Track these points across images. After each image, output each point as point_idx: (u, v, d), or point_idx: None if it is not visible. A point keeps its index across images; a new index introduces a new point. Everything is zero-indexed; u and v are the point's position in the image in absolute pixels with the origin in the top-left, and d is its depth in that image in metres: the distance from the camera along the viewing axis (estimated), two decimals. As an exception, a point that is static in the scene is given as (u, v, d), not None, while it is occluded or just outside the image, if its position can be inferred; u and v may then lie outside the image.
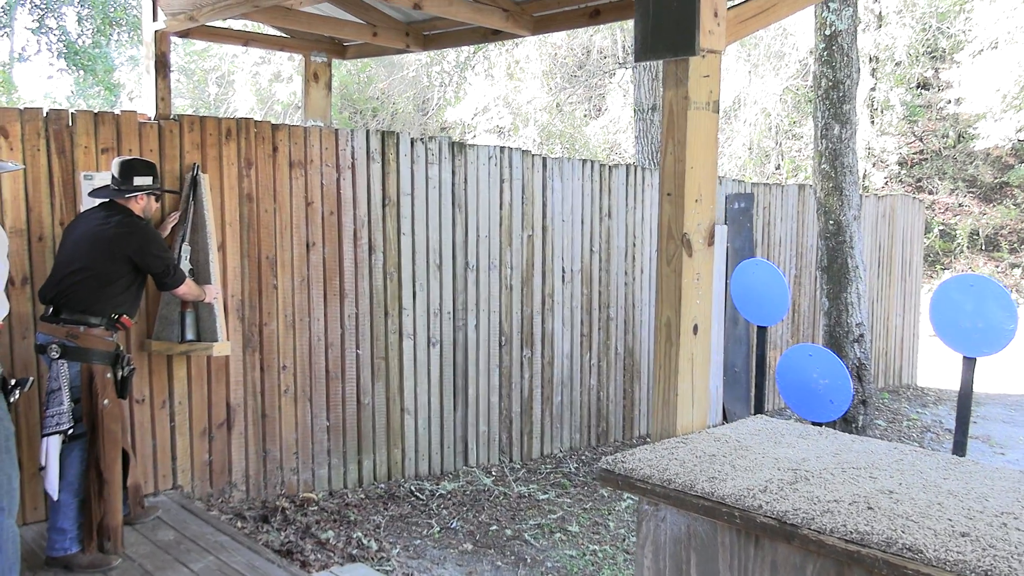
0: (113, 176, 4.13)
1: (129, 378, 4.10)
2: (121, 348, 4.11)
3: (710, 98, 2.61)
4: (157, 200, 4.41)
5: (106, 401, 3.92)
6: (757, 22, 2.78)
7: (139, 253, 4.03)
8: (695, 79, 2.56)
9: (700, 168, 2.63)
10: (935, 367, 11.06)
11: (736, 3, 2.75)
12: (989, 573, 1.75)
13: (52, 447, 3.80)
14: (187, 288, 4.35)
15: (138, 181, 4.13)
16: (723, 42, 2.59)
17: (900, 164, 19.39)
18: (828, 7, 7.13)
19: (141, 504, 4.47)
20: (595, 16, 5.13)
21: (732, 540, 2.28)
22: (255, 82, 17.35)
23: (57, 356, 3.84)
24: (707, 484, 2.29)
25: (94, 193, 4.19)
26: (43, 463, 3.82)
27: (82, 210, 4.43)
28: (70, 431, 3.83)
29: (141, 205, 4.19)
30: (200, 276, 4.81)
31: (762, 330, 5.16)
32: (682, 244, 2.63)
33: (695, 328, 2.68)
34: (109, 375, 3.96)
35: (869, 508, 2.10)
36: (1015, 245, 17.64)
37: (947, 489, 2.24)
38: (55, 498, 3.86)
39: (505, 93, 17.72)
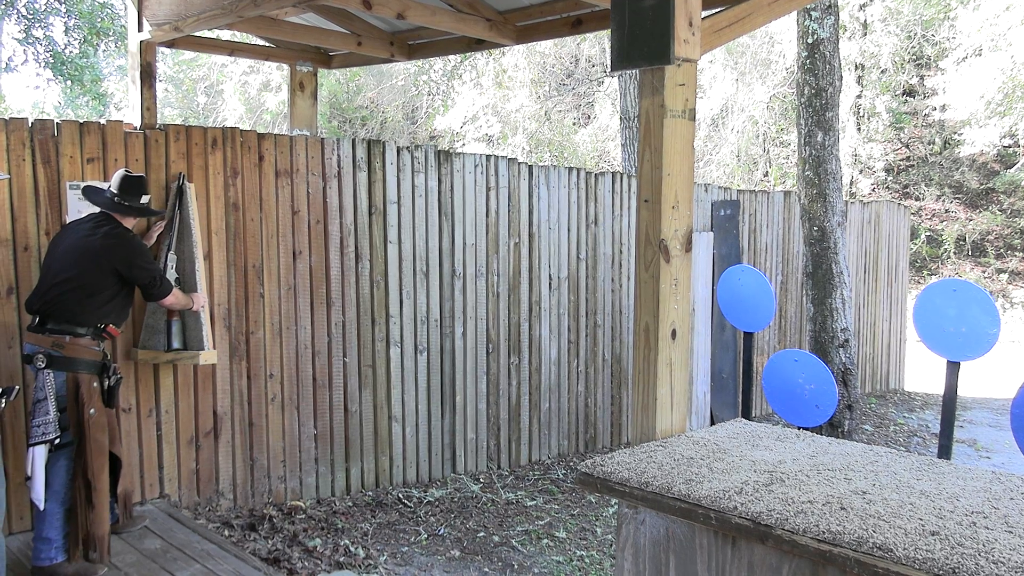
0: (118, 189, 4.11)
1: (116, 387, 4.11)
2: (108, 357, 4.12)
3: (686, 106, 2.65)
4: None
5: (92, 410, 3.92)
6: (732, 31, 2.82)
7: (125, 264, 4.05)
8: (671, 87, 2.60)
9: (677, 175, 2.67)
10: (922, 372, 11.13)
11: (711, 13, 2.79)
12: (956, 571, 1.78)
13: (38, 457, 3.81)
14: (174, 299, 4.37)
15: (144, 201, 4.20)
16: (698, 51, 2.63)
17: (887, 171, 19.52)
18: (810, 15, 7.20)
19: (130, 512, 4.47)
20: (577, 25, 5.18)
21: (709, 542, 2.31)
22: (244, 91, 17.37)
23: (43, 366, 3.85)
24: (684, 486, 2.32)
25: (90, 195, 4.16)
26: (29, 473, 3.82)
27: (68, 220, 4.45)
28: (56, 440, 3.83)
29: (133, 221, 4.25)
30: (186, 285, 4.83)
31: (749, 336, 5.19)
32: (660, 250, 2.66)
33: (673, 333, 2.71)
34: (95, 384, 3.97)
35: (842, 508, 2.13)
36: (1001, 250, 17.77)
37: (919, 489, 2.28)
38: (41, 508, 3.86)
39: (494, 102, 17.79)
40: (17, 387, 3.66)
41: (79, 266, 3.94)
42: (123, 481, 4.32)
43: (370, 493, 5.75)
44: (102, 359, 4.05)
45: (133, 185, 4.15)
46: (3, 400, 3.49)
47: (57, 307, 3.90)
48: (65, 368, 3.89)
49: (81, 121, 4.65)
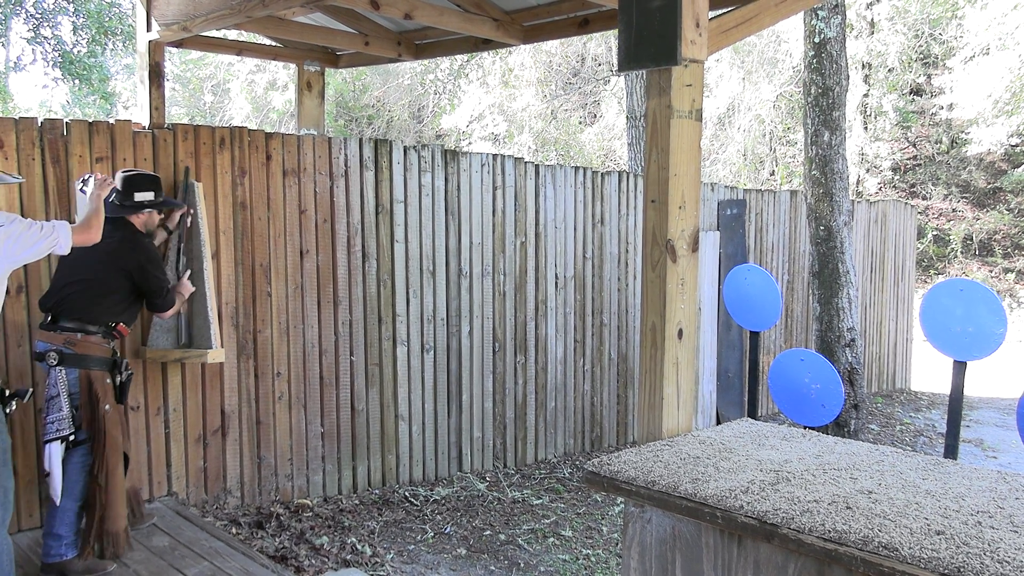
0: (115, 190, 4.16)
1: (127, 383, 4.15)
2: (118, 354, 4.15)
3: (693, 106, 2.66)
4: (160, 213, 4.49)
5: (107, 406, 3.95)
6: (739, 32, 2.83)
7: (139, 271, 4.09)
8: (678, 88, 2.61)
9: (684, 175, 2.68)
10: (929, 371, 11.12)
11: (718, 13, 2.80)
12: (961, 570, 1.79)
13: (55, 453, 3.84)
14: (172, 311, 4.43)
15: (138, 196, 4.19)
16: (705, 52, 2.64)
17: (894, 170, 19.48)
18: (817, 15, 7.19)
19: (141, 509, 4.48)
20: (584, 25, 5.19)
21: (716, 540, 2.32)
22: (251, 90, 17.41)
23: (55, 363, 3.88)
24: (690, 485, 2.33)
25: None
26: (48, 468, 3.85)
27: (77, 219, 4.46)
28: (71, 437, 3.86)
29: (142, 219, 4.26)
30: (194, 284, 4.86)
31: (755, 335, 5.20)
32: (666, 250, 2.67)
33: (680, 332, 2.72)
34: (108, 381, 4.01)
35: (848, 508, 2.14)
36: (1008, 250, 17.72)
37: (925, 489, 2.28)
38: (58, 503, 3.89)
39: (500, 101, 17.80)
40: (30, 389, 3.69)
41: (94, 267, 3.99)
42: (130, 478, 4.34)
43: (377, 491, 5.77)
44: (113, 356, 4.08)
45: (126, 183, 4.16)
46: (14, 402, 3.51)
47: (70, 305, 3.94)
48: (78, 365, 3.92)
49: (90, 121, 4.67)
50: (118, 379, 4.07)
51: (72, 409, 3.88)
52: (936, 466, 2.50)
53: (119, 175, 4.22)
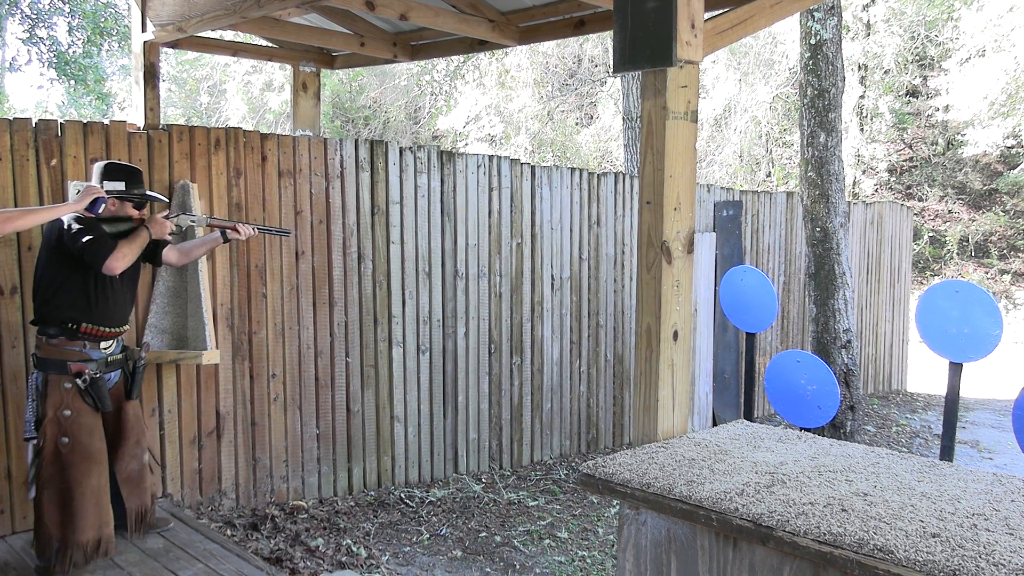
0: (100, 198, 3.88)
1: (93, 388, 3.85)
2: (90, 357, 3.87)
3: (688, 108, 2.65)
4: (137, 207, 4.03)
5: (67, 412, 3.78)
6: (735, 33, 2.82)
7: (62, 232, 3.76)
8: (673, 89, 2.60)
9: (679, 177, 2.67)
10: (925, 373, 11.13)
11: (714, 15, 2.80)
12: (957, 573, 1.79)
13: (28, 453, 3.82)
14: (119, 262, 3.78)
15: (108, 186, 3.92)
16: (700, 53, 2.63)
17: (890, 171, 19.50)
18: (813, 17, 7.20)
19: (144, 526, 4.26)
20: (580, 27, 5.19)
21: (711, 543, 2.31)
22: (247, 91, 17.40)
23: (34, 366, 3.86)
24: (685, 488, 2.32)
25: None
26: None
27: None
28: (34, 440, 3.81)
29: (112, 210, 3.94)
30: (189, 284, 4.84)
31: (751, 336, 5.19)
32: (661, 252, 2.67)
33: (675, 334, 2.72)
34: (69, 385, 3.80)
35: (843, 510, 2.13)
36: (1004, 251, 17.75)
37: (920, 491, 2.28)
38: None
39: (496, 102, 17.79)
40: None
41: (42, 259, 3.87)
42: (139, 494, 4.15)
43: (372, 493, 5.76)
44: (80, 359, 3.83)
45: (100, 172, 3.95)
46: None
47: (35, 308, 3.88)
48: (41, 368, 3.84)
49: (85, 121, 4.66)
50: (80, 384, 3.81)
51: (34, 412, 3.81)
52: (932, 468, 2.49)
53: (98, 164, 3.95)
